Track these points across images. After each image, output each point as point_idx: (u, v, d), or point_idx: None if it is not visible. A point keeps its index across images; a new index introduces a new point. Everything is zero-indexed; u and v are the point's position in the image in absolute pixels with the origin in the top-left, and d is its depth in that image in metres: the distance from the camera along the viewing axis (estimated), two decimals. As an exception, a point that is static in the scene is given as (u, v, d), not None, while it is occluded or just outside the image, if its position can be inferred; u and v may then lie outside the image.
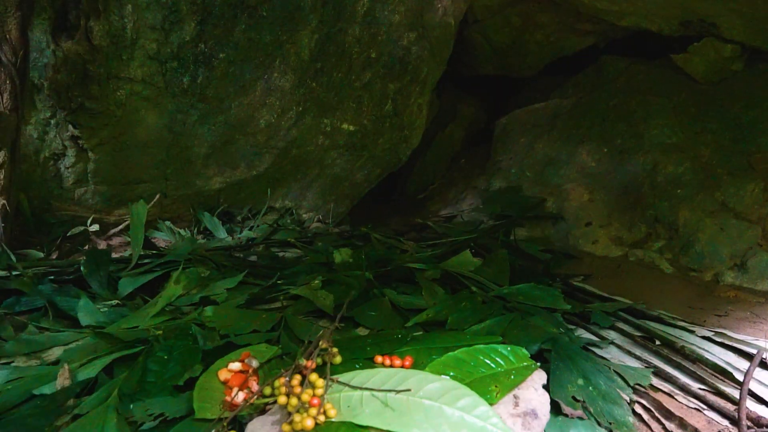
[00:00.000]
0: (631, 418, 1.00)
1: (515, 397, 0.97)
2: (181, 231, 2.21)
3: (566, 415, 0.99)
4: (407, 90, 2.48)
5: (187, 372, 1.05)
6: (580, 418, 0.99)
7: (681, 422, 1.04)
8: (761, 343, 1.41)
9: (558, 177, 2.55)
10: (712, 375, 1.23)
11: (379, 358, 1.07)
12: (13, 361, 1.14)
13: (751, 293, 1.88)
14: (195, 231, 2.26)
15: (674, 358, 1.28)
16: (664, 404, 1.09)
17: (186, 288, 1.50)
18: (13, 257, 1.58)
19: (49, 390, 1.01)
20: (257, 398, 0.93)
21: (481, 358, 1.05)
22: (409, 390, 0.90)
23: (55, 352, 1.17)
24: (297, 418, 0.84)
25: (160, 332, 1.18)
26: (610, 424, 0.98)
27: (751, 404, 1.10)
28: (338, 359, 1.05)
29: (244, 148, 2.31)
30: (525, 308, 1.44)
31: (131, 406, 0.96)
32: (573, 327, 1.45)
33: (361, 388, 0.91)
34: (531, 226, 2.45)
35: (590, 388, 1.05)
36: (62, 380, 1.03)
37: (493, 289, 1.58)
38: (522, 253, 2.12)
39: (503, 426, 0.84)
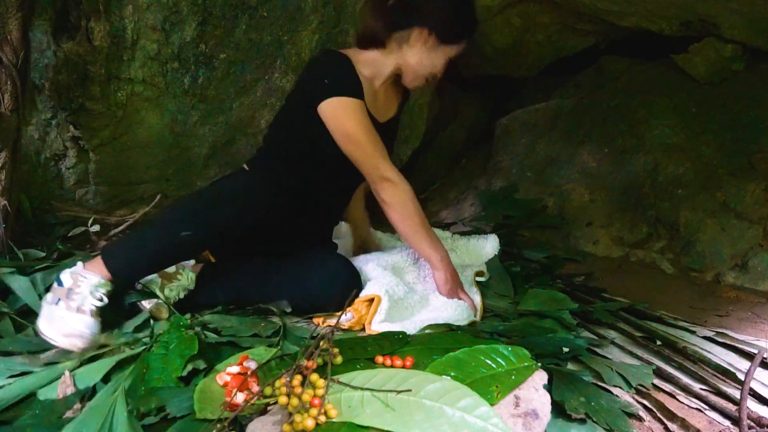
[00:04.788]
0: (635, 431, 1.00)
1: (516, 397, 0.97)
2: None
3: (569, 416, 0.99)
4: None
5: (189, 363, 1.05)
6: (582, 420, 0.99)
7: (683, 423, 1.04)
8: (762, 343, 1.41)
9: (559, 177, 2.55)
10: (714, 375, 1.23)
11: (380, 359, 1.07)
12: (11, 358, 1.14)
13: (752, 293, 1.88)
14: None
15: (675, 359, 1.28)
16: (666, 405, 1.09)
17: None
18: (20, 254, 1.58)
19: (51, 394, 1.01)
20: (258, 398, 0.93)
21: (482, 358, 1.05)
22: (409, 390, 0.90)
23: (52, 353, 1.17)
24: (298, 418, 0.85)
25: (161, 332, 1.18)
26: (613, 430, 0.98)
27: (752, 404, 1.10)
28: (339, 359, 1.05)
29: (245, 149, 2.31)
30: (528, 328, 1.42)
31: (142, 393, 0.98)
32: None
33: (361, 389, 0.91)
34: (532, 228, 2.45)
35: (592, 403, 1.04)
36: (64, 388, 1.03)
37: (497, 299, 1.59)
38: (525, 258, 2.11)
39: (504, 426, 0.84)
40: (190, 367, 1.05)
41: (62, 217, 2.05)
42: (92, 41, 1.88)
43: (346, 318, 1.36)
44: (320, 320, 1.40)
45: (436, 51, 1.45)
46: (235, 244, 1.52)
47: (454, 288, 1.52)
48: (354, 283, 1.45)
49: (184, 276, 1.43)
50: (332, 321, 1.35)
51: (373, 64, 1.51)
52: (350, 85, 1.43)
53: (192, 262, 1.51)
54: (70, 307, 1.18)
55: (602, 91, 2.72)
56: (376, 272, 1.54)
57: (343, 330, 1.36)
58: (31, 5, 1.65)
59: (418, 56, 1.46)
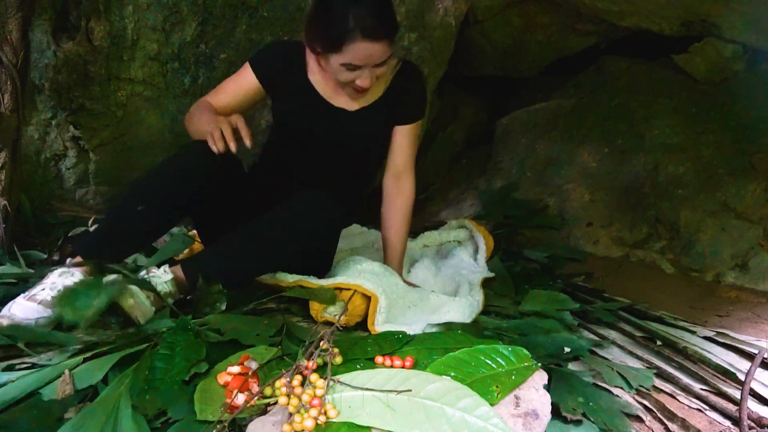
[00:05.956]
0: (633, 431, 1.00)
1: (516, 397, 0.97)
2: (174, 230, 2.19)
3: (565, 419, 0.99)
4: (408, 90, 2.48)
5: (194, 367, 1.05)
6: (579, 421, 0.99)
7: (683, 423, 1.04)
8: (763, 343, 1.41)
9: (559, 177, 2.55)
10: (714, 375, 1.23)
11: (380, 359, 1.07)
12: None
13: (752, 293, 1.88)
14: (191, 228, 2.24)
15: (676, 359, 1.28)
16: (666, 405, 1.09)
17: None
18: (21, 260, 1.58)
19: (51, 394, 1.01)
20: (258, 399, 0.93)
21: (482, 358, 1.05)
22: (410, 390, 0.90)
23: (52, 353, 1.17)
24: (298, 418, 0.84)
25: (165, 330, 1.18)
26: (611, 430, 0.98)
27: (752, 404, 1.10)
28: (339, 359, 1.05)
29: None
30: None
31: (146, 396, 0.97)
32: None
33: (362, 389, 0.91)
34: (532, 228, 2.45)
35: (591, 403, 1.04)
36: (63, 386, 1.03)
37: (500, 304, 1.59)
38: (525, 258, 2.11)
39: (504, 426, 0.84)
40: (193, 371, 1.04)
41: (62, 217, 2.05)
42: (92, 41, 1.88)
43: (339, 309, 1.36)
44: (317, 311, 1.38)
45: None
46: (210, 217, 1.62)
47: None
48: (337, 208, 1.49)
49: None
50: (329, 315, 1.35)
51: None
52: (262, 57, 1.58)
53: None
54: (26, 294, 1.23)
55: (602, 91, 2.72)
56: (374, 267, 1.53)
57: (344, 329, 1.36)
58: (31, 5, 1.65)
59: (318, 67, 1.56)
